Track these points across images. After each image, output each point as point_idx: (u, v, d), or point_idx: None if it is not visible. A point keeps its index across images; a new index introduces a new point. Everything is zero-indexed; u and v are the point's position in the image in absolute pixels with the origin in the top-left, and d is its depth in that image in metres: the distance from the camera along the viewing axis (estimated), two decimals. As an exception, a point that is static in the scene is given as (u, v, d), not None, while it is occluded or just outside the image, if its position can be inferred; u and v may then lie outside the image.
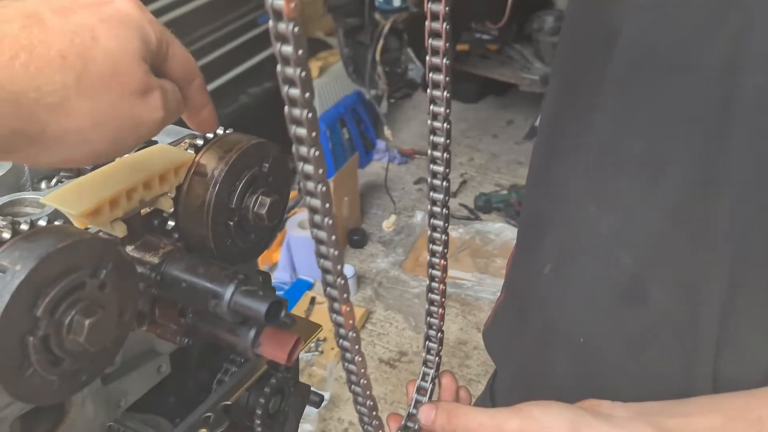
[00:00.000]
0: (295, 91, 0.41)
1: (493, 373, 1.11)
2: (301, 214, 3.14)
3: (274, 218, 0.69)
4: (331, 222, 0.48)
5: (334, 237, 0.47)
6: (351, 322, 0.57)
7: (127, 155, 0.65)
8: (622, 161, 0.72)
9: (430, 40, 0.58)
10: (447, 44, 0.58)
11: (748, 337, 0.66)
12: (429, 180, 0.69)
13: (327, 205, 0.48)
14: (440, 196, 0.69)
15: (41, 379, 0.51)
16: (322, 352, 2.73)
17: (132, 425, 0.71)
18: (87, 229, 0.58)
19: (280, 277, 3.11)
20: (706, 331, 0.67)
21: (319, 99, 3.56)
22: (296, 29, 0.39)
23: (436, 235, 0.70)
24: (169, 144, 0.72)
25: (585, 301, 0.77)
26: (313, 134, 0.41)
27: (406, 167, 3.75)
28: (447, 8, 0.56)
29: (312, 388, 0.98)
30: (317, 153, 0.42)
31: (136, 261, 0.61)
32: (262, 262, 3.13)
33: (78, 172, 0.74)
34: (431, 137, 0.66)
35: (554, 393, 0.81)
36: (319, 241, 0.49)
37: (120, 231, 0.58)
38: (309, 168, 0.43)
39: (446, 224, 0.69)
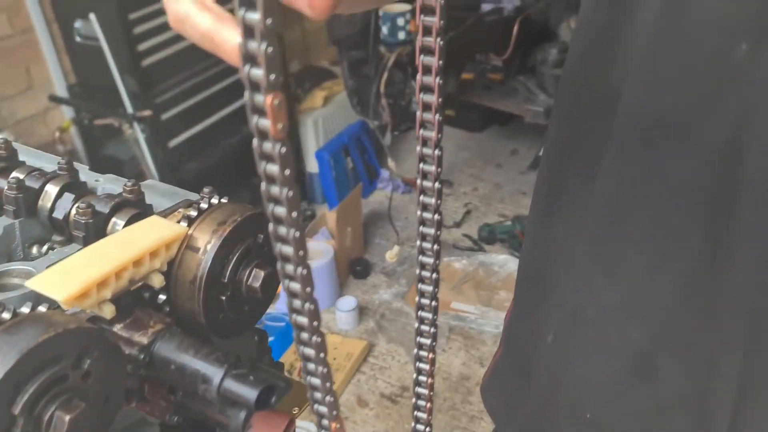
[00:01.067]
0: (281, 210, 0.39)
1: None
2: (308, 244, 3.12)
3: (268, 291, 0.67)
4: (325, 370, 0.46)
5: (323, 354, 0.45)
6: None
7: (116, 233, 0.64)
8: (628, 231, 0.70)
9: (421, 57, 0.53)
10: (440, 60, 0.54)
11: (763, 419, 0.64)
12: (419, 213, 0.65)
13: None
14: (431, 231, 0.64)
15: (20, 476, 0.49)
16: (322, 387, 2.69)
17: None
18: (74, 310, 0.57)
19: (281, 308, 3.09)
20: (720, 411, 0.65)
21: (324, 128, 3.56)
22: (283, 150, 0.37)
23: (425, 273, 0.66)
24: (163, 211, 0.71)
25: (591, 375, 0.75)
26: (300, 253, 0.40)
27: (409, 197, 3.74)
28: (440, 62, 0.52)
29: (309, 427, 0.95)
30: (305, 272, 0.40)
31: (124, 341, 0.59)
32: (264, 293, 3.10)
33: (70, 238, 0.73)
34: (420, 165, 0.61)
35: None
36: (305, 358, 0.46)
37: (108, 312, 0.57)
38: (295, 286, 0.42)
39: (437, 261, 0.65)
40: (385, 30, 2.88)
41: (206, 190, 0.70)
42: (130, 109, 2.70)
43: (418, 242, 0.64)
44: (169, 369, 0.58)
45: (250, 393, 0.56)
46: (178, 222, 0.64)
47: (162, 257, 0.61)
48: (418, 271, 0.65)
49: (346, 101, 3.47)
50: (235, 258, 0.64)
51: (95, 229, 0.69)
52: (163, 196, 0.77)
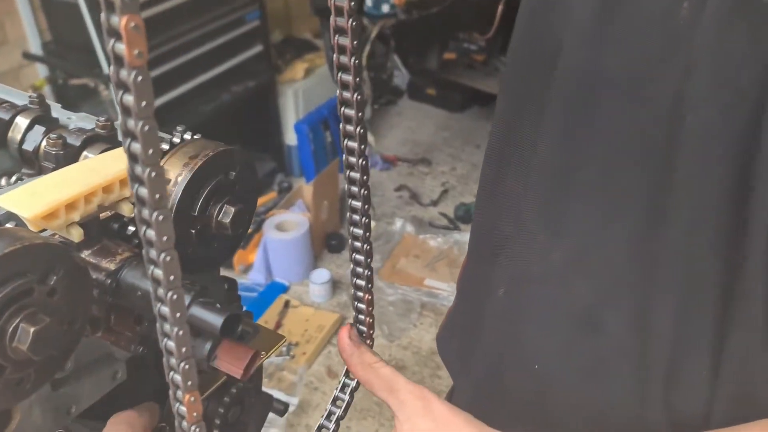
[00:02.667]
0: (136, 146, 0.39)
1: (450, 389, 1.11)
2: (279, 216, 3.12)
3: (238, 228, 0.67)
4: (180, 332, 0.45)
5: (179, 314, 0.44)
6: (195, 414, 0.51)
7: (88, 159, 0.64)
8: (574, 188, 0.71)
9: (337, 37, 0.55)
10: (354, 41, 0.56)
11: (695, 372, 0.66)
12: (348, 215, 0.66)
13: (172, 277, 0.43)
14: (360, 232, 0.66)
15: (-19, 387, 0.49)
16: (293, 357, 2.71)
17: (83, 433, 0.69)
18: (42, 232, 0.57)
19: (254, 278, 3.09)
20: (657, 362, 0.67)
21: (304, 101, 3.54)
22: (140, 79, 0.36)
23: (359, 270, 0.68)
24: (135, 146, 0.70)
25: (539, 329, 0.77)
26: (157, 196, 0.40)
27: (387, 174, 3.74)
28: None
29: (277, 396, 0.97)
30: (161, 218, 0.40)
31: (92, 266, 0.59)
32: (238, 263, 3.10)
33: (40, 171, 0.72)
34: (348, 172, 0.63)
35: (511, 417, 0.80)
36: (161, 317, 0.46)
37: (76, 235, 0.57)
38: (151, 233, 0.41)
39: (369, 260, 0.67)
40: (369, 2, 2.87)
41: (179, 127, 0.70)
42: (106, 70, 2.66)
43: (350, 241, 0.65)
44: (135, 296, 0.58)
45: (215, 319, 0.56)
46: (150, 154, 0.64)
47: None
48: (352, 267, 0.67)
49: (327, 74, 3.45)
50: (206, 192, 0.64)
51: (65, 162, 0.69)
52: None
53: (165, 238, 0.42)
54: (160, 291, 0.43)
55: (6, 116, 0.73)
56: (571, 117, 0.70)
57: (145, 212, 0.42)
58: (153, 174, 0.40)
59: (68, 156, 0.69)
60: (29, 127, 0.73)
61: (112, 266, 0.59)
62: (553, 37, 0.70)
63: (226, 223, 0.66)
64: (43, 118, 0.74)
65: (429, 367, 2.73)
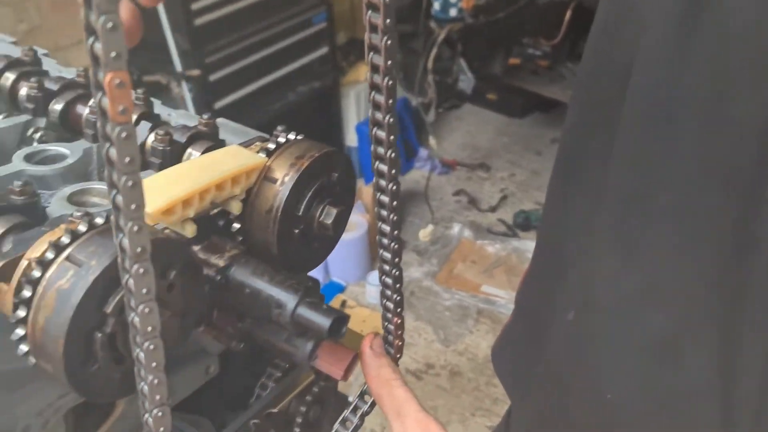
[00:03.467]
0: (119, 198, 0.38)
1: (508, 410, 1.09)
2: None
3: (338, 229, 0.68)
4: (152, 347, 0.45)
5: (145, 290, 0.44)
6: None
7: (200, 156, 0.65)
8: (649, 212, 0.67)
9: (371, 55, 0.52)
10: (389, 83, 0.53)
11: None
12: (378, 238, 0.62)
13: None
14: (389, 256, 0.64)
15: (104, 376, 0.50)
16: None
17: (177, 424, 0.70)
18: (156, 226, 0.58)
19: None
20: (745, 402, 0.64)
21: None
22: (123, 135, 0.36)
23: (388, 293, 0.65)
24: (240, 144, 0.71)
25: (612, 358, 0.73)
26: (138, 249, 0.39)
27: (446, 177, 3.72)
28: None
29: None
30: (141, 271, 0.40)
31: (202, 262, 0.60)
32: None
33: (146, 166, 0.74)
34: (378, 195, 0.60)
35: None
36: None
37: (190, 231, 0.58)
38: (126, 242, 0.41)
39: (398, 285, 0.65)
40: (437, 5, 2.86)
41: (280, 128, 0.70)
42: (179, 68, 2.73)
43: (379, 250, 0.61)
44: (243, 293, 0.59)
45: (323, 320, 0.56)
46: (258, 153, 0.65)
47: (242, 184, 0.62)
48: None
49: (390, 77, 3.45)
50: (310, 193, 0.65)
51: (171, 157, 0.70)
52: (234, 134, 0.78)
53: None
54: (127, 263, 0.43)
55: (115, 112, 0.75)
56: (645, 136, 0.66)
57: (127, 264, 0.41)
58: (135, 228, 0.40)
59: (174, 152, 0.70)
60: (136, 123, 0.74)
61: (221, 263, 0.60)
62: (625, 52, 0.66)
63: (328, 224, 0.66)
64: (147, 115, 0.76)
65: (485, 374, 2.70)
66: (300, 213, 0.65)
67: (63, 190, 0.66)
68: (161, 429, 0.48)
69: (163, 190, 0.55)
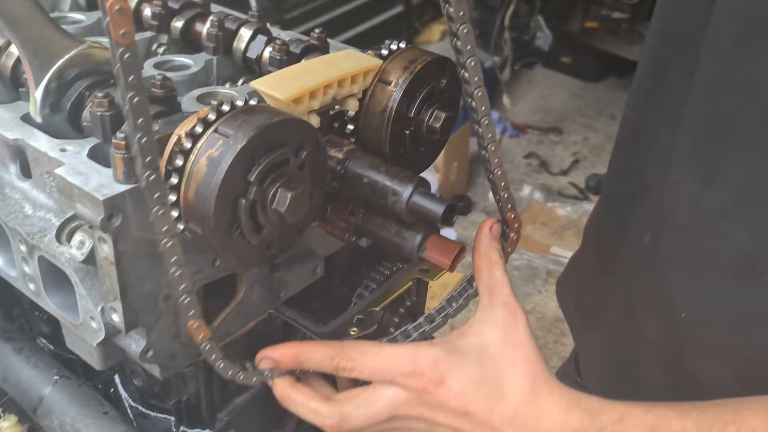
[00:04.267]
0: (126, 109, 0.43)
1: (573, 350, 1.10)
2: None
3: (445, 133, 0.71)
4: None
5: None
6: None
7: (321, 57, 0.69)
8: (732, 133, 0.67)
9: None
10: None
11: None
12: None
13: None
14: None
15: (244, 242, 0.55)
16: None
17: (290, 314, 0.76)
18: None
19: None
20: None
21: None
22: (126, 56, 0.40)
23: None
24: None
25: (687, 277, 0.74)
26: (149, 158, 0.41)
27: (517, 141, 3.69)
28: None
29: None
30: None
31: (323, 154, 0.65)
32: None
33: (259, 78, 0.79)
34: None
35: (645, 370, 0.78)
36: None
37: (315, 122, 0.62)
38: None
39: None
40: (515, -39, 2.82)
41: (387, 41, 0.73)
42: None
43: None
44: (360, 182, 0.63)
45: (437, 207, 0.60)
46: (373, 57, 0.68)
47: (360, 84, 0.65)
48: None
49: (463, 37, 3.42)
50: (421, 96, 0.68)
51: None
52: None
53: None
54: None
55: (233, 26, 0.80)
56: (732, 55, 0.66)
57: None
58: (144, 140, 0.44)
59: (291, 62, 0.74)
60: (252, 37, 0.79)
61: (340, 155, 0.64)
62: None
63: (436, 128, 0.69)
64: (263, 30, 0.80)
65: (553, 333, 2.70)
66: (411, 114, 0.68)
67: (192, 92, 0.71)
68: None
69: (293, 82, 0.60)
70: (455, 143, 3.20)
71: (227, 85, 0.80)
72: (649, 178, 0.80)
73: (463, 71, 0.57)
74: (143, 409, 0.77)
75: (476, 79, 0.58)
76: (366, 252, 0.88)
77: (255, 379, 0.63)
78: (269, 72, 0.76)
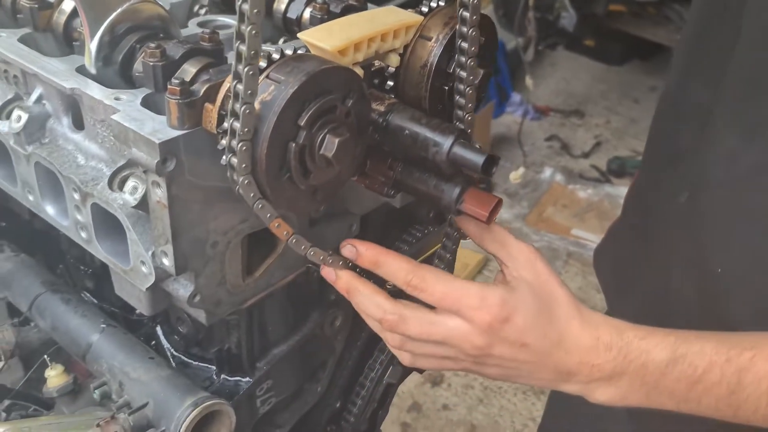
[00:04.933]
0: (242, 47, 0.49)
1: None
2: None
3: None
4: None
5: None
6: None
7: (364, 12, 0.71)
8: None
9: None
10: None
11: None
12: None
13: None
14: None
15: (292, 186, 0.57)
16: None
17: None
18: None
19: (403, 214, 3.18)
20: None
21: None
22: None
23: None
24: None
25: (724, 232, 0.75)
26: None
27: (538, 123, 3.68)
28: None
29: None
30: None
31: (364, 107, 0.66)
32: (387, 198, 3.20)
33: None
34: None
35: (682, 318, 0.80)
36: None
37: (359, 73, 0.63)
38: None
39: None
40: (540, -60, 2.80)
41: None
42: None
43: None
44: (402, 134, 0.64)
45: (477, 157, 0.62)
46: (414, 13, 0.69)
47: (401, 39, 0.67)
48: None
49: (486, 18, 3.41)
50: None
51: (328, 27, 0.76)
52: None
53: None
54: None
55: (273, -12, 0.81)
56: None
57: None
58: (250, 72, 0.49)
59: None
60: (291, -1, 0.81)
61: (381, 108, 0.66)
62: None
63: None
64: (303, -9, 0.82)
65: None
66: (450, 71, 0.69)
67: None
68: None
69: (339, 33, 0.61)
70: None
71: (268, 44, 0.82)
72: (687, 139, 0.82)
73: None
74: (185, 358, 0.80)
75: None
76: (398, 214, 0.90)
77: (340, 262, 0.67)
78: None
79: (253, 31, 0.49)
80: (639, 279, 0.93)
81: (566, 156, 3.49)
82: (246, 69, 0.50)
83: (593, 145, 3.53)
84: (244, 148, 0.52)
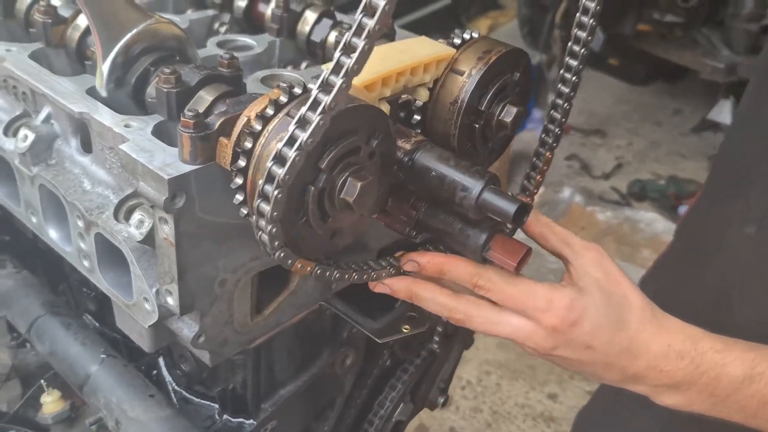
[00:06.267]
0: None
1: None
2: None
3: (515, 129, 0.68)
4: None
5: None
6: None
7: (393, 43, 0.66)
8: None
9: None
10: None
11: None
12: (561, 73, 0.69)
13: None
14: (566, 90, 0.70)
15: (309, 230, 0.53)
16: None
17: (341, 307, 0.74)
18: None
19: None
20: None
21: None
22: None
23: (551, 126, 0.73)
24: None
25: None
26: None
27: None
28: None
29: None
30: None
31: (389, 144, 0.62)
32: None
33: (323, 61, 0.77)
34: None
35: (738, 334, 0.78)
36: None
37: (385, 110, 0.59)
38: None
39: (563, 119, 0.72)
40: (567, -42, 2.75)
41: (457, 30, 0.70)
42: None
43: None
44: (428, 176, 0.60)
45: (509, 206, 0.57)
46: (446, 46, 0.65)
47: (432, 73, 0.63)
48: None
49: (509, 34, 3.38)
50: (493, 89, 0.65)
51: (353, 53, 0.72)
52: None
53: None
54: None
55: (297, 9, 0.78)
56: None
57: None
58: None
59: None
60: (317, 21, 0.77)
61: (408, 146, 0.62)
62: None
63: (507, 123, 0.66)
64: (328, 14, 0.78)
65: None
66: (482, 108, 0.65)
67: (255, 73, 0.69)
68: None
69: (367, 67, 0.57)
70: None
71: (289, 67, 0.78)
72: (755, 171, 0.81)
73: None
74: (187, 395, 0.76)
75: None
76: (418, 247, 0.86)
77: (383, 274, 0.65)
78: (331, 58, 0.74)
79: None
80: (690, 306, 0.91)
81: (586, 176, 3.43)
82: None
83: (614, 167, 3.47)
84: (280, 196, 0.48)
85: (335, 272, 0.59)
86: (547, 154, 0.76)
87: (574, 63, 0.69)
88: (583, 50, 0.68)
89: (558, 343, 0.63)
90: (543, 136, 0.75)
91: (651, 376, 0.63)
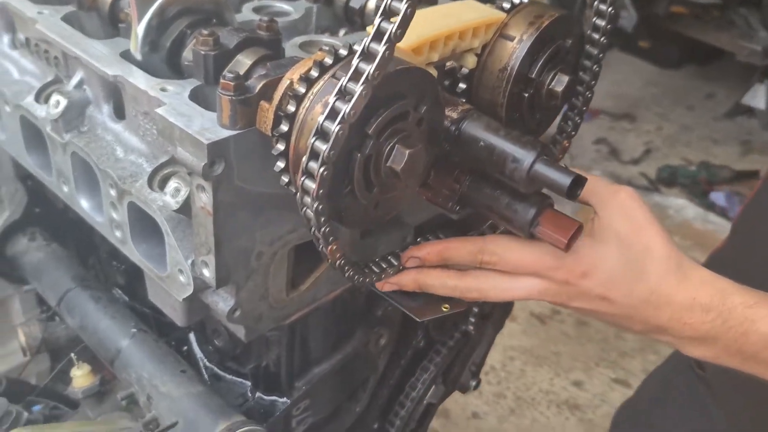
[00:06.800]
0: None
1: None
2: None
3: (566, 99, 0.64)
4: None
5: None
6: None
7: (441, 5, 0.63)
8: None
9: None
10: None
11: None
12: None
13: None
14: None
15: (352, 200, 0.50)
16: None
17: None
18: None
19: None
20: None
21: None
22: None
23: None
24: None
25: None
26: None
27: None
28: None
29: None
30: None
31: (435, 113, 0.59)
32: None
33: (362, 29, 0.74)
34: None
35: None
36: None
37: (433, 74, 0.56)
38: None
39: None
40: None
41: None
42: None
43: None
44: (476, 146, 0.57)
45: (563, 178, 0.54)
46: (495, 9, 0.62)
47: (480, 37, 0.59)
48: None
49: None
50: (545, 56, 0.62)
51: (394, 19, 0.69)
52: None
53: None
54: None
55: (336, -27, 0.74)
56: None
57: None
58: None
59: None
60: (355, -13, 0.74)
61: (455, 114, 0.58)
62: None
63: (557, 92, 0.63)
64: (367, -20, 0.75)
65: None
66: (532, 75, 0.62)
67: (294, 39, 0.67)
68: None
69: (413, 29, 0.54)
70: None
71: (326, 34, 0.75)
72: None
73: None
74: (218, 371, 0.74)
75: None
76: (454, 224, 0.83)
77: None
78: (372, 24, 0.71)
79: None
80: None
81: (614, 161, 3.37)
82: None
83: (643, 152, 3.40)
84: (326, 173, 0.46)
85: (351, 272, 0.58)
86: (565, 142, 0.73)
87: (594, 51, 0.67)
88: (602, 38, 0.66)
89: (572, 295, 0.62)
90: (562, 123, 0.72)
91: (674, 328, 0.62)
